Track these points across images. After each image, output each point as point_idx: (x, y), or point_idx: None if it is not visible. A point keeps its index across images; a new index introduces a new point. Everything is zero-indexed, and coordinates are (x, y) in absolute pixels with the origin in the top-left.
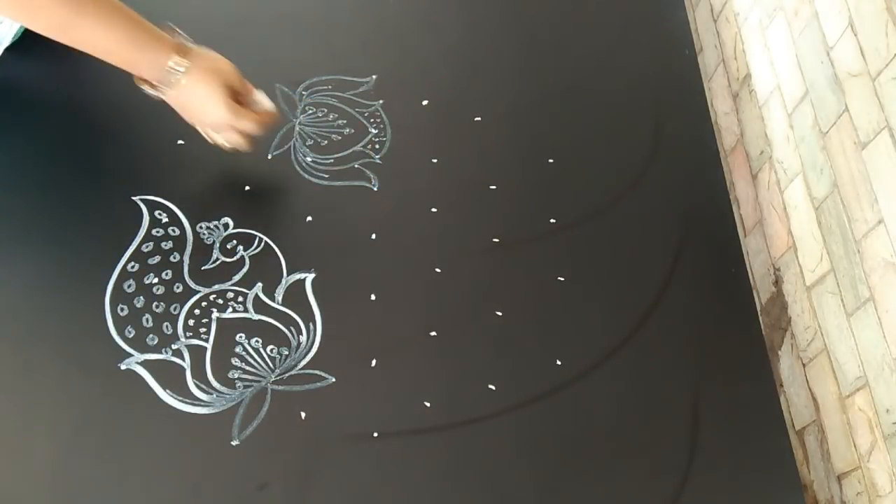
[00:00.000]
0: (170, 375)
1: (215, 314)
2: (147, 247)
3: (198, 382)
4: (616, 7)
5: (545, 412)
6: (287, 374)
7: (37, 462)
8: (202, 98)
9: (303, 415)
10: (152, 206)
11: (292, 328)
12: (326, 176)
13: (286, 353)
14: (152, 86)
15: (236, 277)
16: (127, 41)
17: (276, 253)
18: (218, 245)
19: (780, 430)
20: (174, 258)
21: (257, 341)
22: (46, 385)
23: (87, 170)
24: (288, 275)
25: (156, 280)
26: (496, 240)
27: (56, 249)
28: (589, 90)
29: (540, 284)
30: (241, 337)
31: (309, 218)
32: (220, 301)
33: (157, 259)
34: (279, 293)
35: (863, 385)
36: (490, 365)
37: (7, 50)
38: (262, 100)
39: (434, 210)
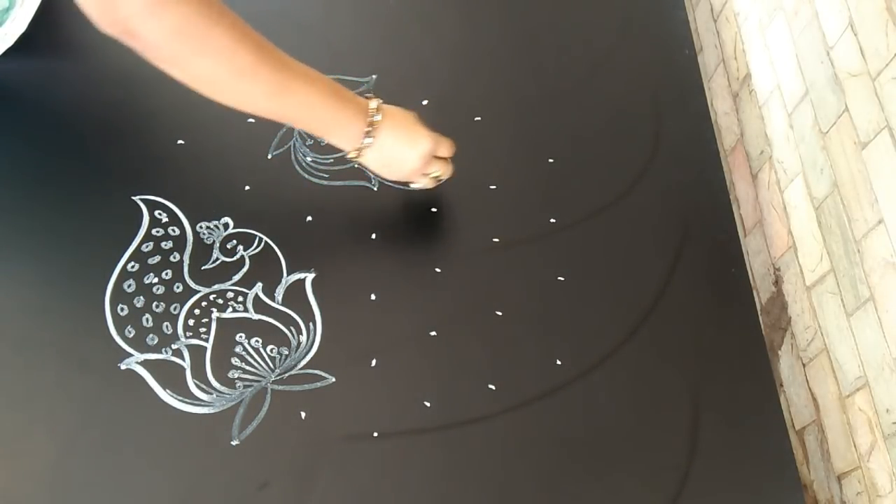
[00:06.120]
0: (170, 375)
1: (215, 314)
2: (147, 247)
3: (198, 382)
4: (616, 7)
5: (545, 412)
6: (287, 374)
7: (37, 462)
8: (406, 130)
9: (303, 415)
10: (152, 205)
11: (292, 328)
12: (326, 176)
13: (286, 352)
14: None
15: (236, 277)
16: (333, 99)
17: (276, 253)
18: (218, 245)
19: (780, 430)
20: (174, 258)
21: (257, 341)
22: (46, 385)
23: (87, 170)
24: (288, 275)
25: (156, 280)
26: (496, 240)
27: (56, 249)
28: (589, 90)
29: (540, 284)
30: (241, 337)
31: (309, 218)
32: (220, 301)
33: (157, 259)
34: (279, 293)
35: (863, 385)
36: (490, 365)
37: (7, 50)
38: None
39: (434, 210)
